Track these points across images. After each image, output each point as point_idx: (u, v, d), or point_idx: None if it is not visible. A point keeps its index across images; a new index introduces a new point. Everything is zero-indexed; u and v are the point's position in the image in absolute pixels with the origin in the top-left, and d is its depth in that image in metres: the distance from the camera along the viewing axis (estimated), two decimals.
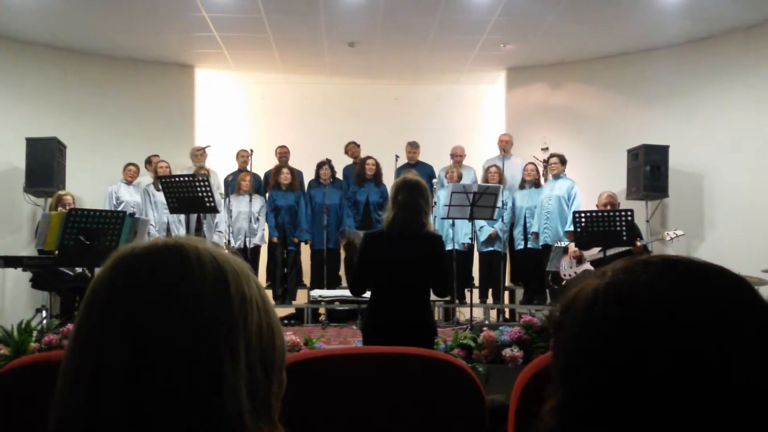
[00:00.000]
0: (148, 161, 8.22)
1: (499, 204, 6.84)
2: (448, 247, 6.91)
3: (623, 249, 5.90)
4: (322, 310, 7.61)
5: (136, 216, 6.48)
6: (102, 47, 8.43)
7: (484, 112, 9.94)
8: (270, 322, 0.83)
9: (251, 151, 7.88)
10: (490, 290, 7.79)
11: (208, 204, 6.39)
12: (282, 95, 9.85)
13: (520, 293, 8.09)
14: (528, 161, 8.04)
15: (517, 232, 7.86)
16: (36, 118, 7.93)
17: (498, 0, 6.97)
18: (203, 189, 6.34)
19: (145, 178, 8.12)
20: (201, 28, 7.74)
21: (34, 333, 4.52)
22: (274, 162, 8.31)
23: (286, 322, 7.44)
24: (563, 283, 6.54)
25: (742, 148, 7.51)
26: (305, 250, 8.15)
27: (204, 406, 0.74)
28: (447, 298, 6.68)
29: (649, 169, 7.51)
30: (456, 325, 6.67)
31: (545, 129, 8.99)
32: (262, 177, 8.45)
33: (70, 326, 4.48)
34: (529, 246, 7.76)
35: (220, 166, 8.68)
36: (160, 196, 7.25)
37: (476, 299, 7.59)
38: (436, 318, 6.63)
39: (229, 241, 7.48)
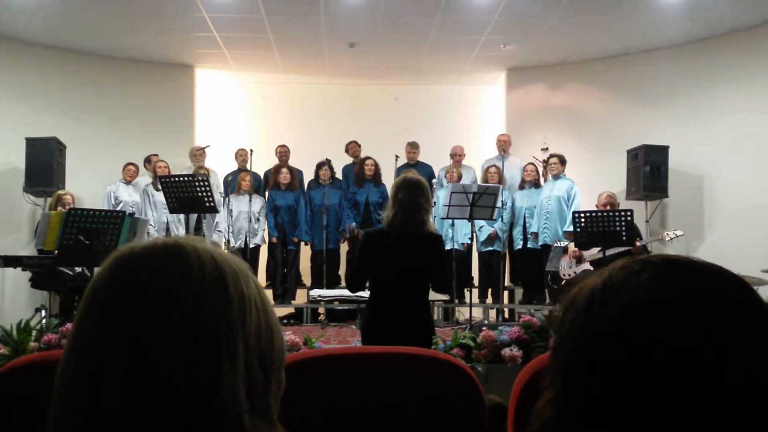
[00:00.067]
0: (147, 161, 8.21)
1: (499, 204, 6.84)
2: (448, 247, 6.92)
3: (623, 249, 5.89)
4: (321, 310, 7.61)
5: (136, 216, 6.47)
6: (102, 47, 8.42)
7: (484, 113, 9.93)
8: (269, 322, 0.83)
9: (251, 150, 7.88)
10: (490, 290, 7.80)
11: (207, 204, 6.38)
12: (282, 95, 9.84)
13: (519, 293, 8.09)
14: (527, 161, 8.05)
15: (517, 232, 7.87)
16: (36, 118, 7.93)
17: (498, 0, 6.97)
18: (203, 189, 6.33)
19: (144, 178, 8.11)
20: (201, 29, 7.74)
21: (34, 332, 4.51)
22: (274, 162, 8.31)
23: (285, 321, 7.44)
24: (562, 283, 6.54)
25: (742, 148, 7.51)
26: (305, 251, 8.15)
27: (203, 405, 0.74)
28: (446, 297, 6.68)
29: (649, 170, 7.51)
30: (455, 324, 6.67)
31: (545, 129, 8.98)
32: (261, 177, 8.45)
33: (69, 326, 4.48)
34: (528, 246, 7.76)
35: (220, 166, 8.68)
36: (160, 196, 7.24)
37: (475, 299, 7.58)
38: (435, 318, 6.67)
39: (228, 240, 7.48)
